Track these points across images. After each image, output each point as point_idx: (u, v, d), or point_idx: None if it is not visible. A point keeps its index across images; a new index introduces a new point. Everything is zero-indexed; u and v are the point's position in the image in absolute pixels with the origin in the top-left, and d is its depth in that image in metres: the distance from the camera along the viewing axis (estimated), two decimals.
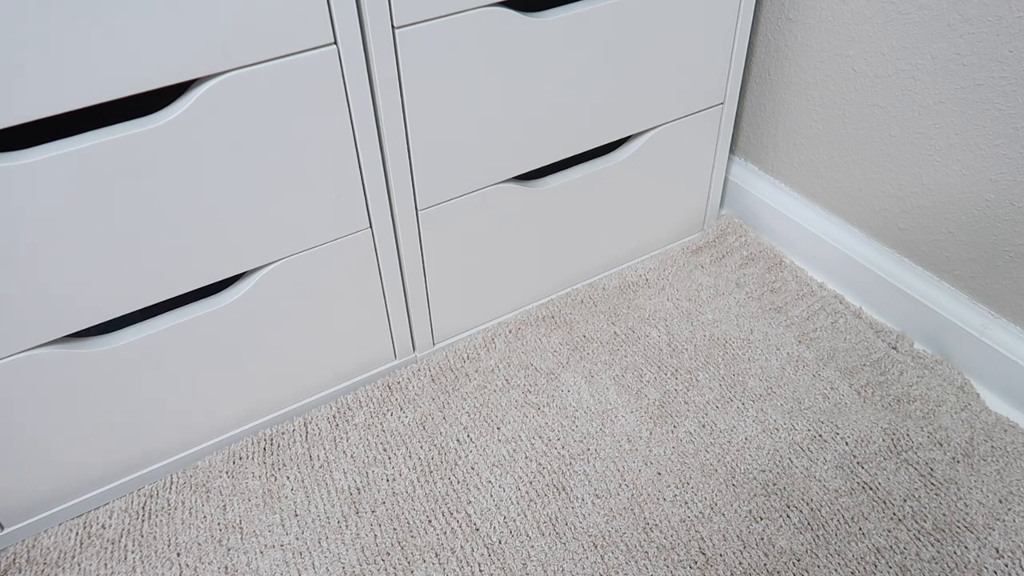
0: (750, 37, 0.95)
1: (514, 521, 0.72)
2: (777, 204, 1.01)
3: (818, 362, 0.86)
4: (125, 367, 0.69)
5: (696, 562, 0.68)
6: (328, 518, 0.73)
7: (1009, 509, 0.70)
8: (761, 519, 0.71)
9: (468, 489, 0.75)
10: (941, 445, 0.76)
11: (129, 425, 0.73)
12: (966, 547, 0.68)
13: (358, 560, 0.70)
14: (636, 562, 0.68)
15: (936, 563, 0.67)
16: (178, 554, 0.71)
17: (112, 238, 0.62)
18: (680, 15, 0.81)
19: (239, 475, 0.77)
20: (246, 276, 0.72)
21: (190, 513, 0.74)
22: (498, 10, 0.69)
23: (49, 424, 0.68)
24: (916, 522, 0.70)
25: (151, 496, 0.76)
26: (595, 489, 0.74)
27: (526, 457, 0.78)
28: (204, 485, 0.77)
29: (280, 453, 0.79)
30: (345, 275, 0.77)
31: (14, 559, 0.71)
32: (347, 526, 0.73)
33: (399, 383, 0.86)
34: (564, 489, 0.75)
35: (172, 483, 0.77)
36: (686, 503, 0.73)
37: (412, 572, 0.69)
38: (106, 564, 0.71)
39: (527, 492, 0.74)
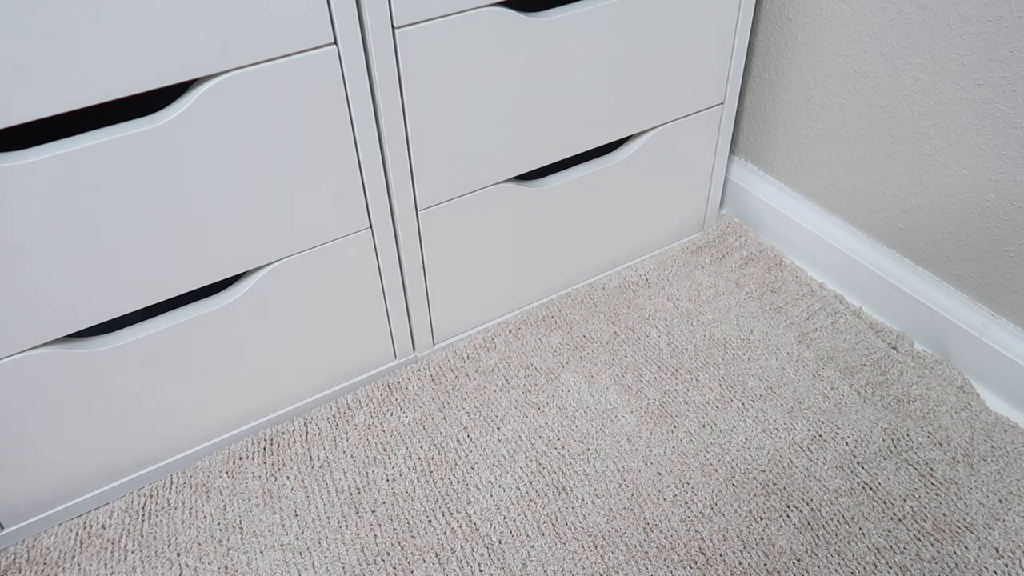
0: (750, 37, 0.95)
1: (514, 521, 0.72)
2: (777, 204, 1.01)
3: (818, 362, 0.86)
4: (125, 367, 0.69)
5: (696, 562, 0.68)
6: (328, 518, 0.73)
7: (1009, 509, 0.70)
8: (761, 519, 0.71)
9: (468, 489, 0.75)
10: (941, 445, 0.76)
11: (129, 425, 0.73)
12: (966, 547, 0.68)
13: (358, 560, 0.70)
14: (636, 562, 0.68)
15: (936, 563, 0.67)
16: (178, 554, 0.71)
17: (112, 238, 0.62)
18: (680, 15, 0.81)
19: (239, 475, 0.77)
20: (246, 276, 0.72)
21: (190, 513, 0.74)
22: (498, 10, 0.69)
23: (50, 424, 0.68)
24: (916, 522, 0.70)
25: (151, 496, 0.76)
26: (595, 489, 0.74)
27: (526, 457, 0.78)
28: (204, 485, 0.77)
29: (280, 453, 0.79)
30: (345, 275, 0.77)
31: (14, 559, 0.71)
32: (347, 526, 0.73)
33: (399, 383, 0.86)
34: (564, 489, 0.75)
35: (172, 483, 0.77)
36: (686, 503, 0.73)
37: (412, 572, 0.69)
38: (106, 564, 0.71)
39: (527, 492, 0.74)
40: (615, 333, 0.91)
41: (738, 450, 0.77)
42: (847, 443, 0.77)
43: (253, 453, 0.79)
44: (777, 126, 0.99)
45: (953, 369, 0.83)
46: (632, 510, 0.72)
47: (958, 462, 0.74)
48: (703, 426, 0.79)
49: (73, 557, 0.72)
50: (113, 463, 0.75)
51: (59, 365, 0.66)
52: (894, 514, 0.70)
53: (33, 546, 0.73)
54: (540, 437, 0.79)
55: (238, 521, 0.74)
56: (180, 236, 0.65)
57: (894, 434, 0.77)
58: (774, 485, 0.74)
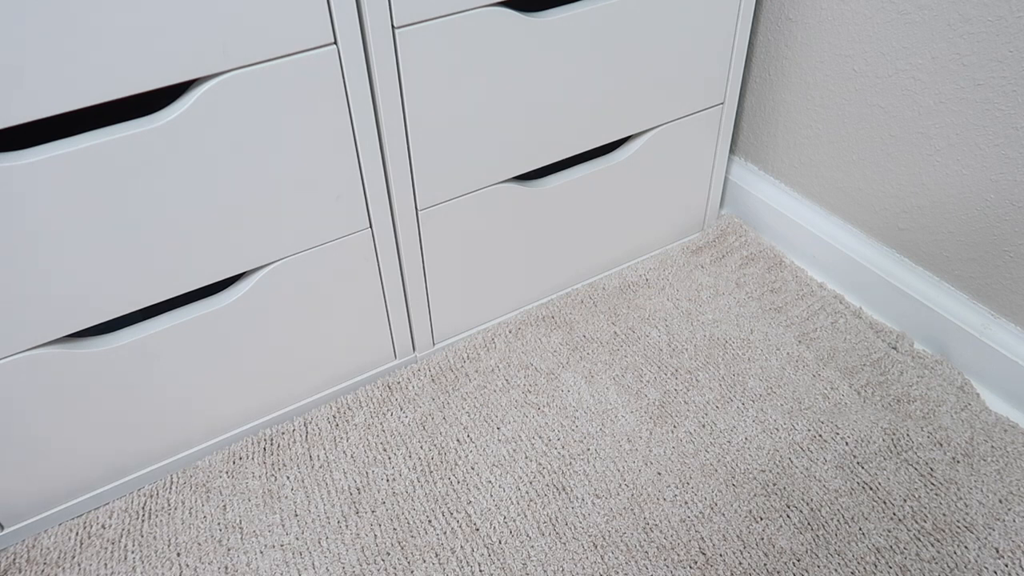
0: (750, 37, 0.95)
1: (514, 521, 0.72)
2: (777, 204, 1.01)
3: (818, 362, 0.86)
4: (125, 367, 0.69)
5: (696, 562, 0.68)
6: (328, 518, 0.73)
7: (1009, 509, 0.70)
8: (761, 519, 0.71)
9: (468, 489, 0.75)
10: (941, 445, 0.76)
11: (129, 425, 0.73)
12: (966, 547, 0.68)
13: (358, 560, 0.70)
14: (636, 562, 0.68)
15: (936, 563, 0.67)
16: (178, 554, 0.71)
17: (112, 238, 0.62)
18: (680, 15, 0.81)
19: (239, 475, 0.77)
20: (246, 276, 0.72)
21: (190, 513, 0.74)
22: (498, 10, 0.69)
23: (49, 424, 0.68)
24: (916, 522, 0.70)
25: (151, 496, 0.76)
26: (595, 489, 0.74)
27: (526, 457, 0.78)
28: (204, 485, 0.77)
29: (280, 453, 0.79)
30: (345, 275, 0.77)
31: (14, 559, 0.71)
32: (347, 526, 0.73)
33: (399, 383, 0.86)
34: (564, 489, 0.75)
35: (172, 483, 0.77)
36: (686, 503, 0.73)
37: (412, 572, 0.69)
38: (106, 564, 0.71)
39: (527, 492, 0.74)
40: (615, 333, 0.91)
41: (738, 450, 0.77)
42: (847, 443, 0.77)
43: (253, 453, 0.79)
44: (777, 126, 0.99)
45: (953, 369, 0.83)
46: (632, 510, 0.72)
47: (958, 462, 0.74)
48: (703, 426, 0.79)
49: (73, 557, 0.72)
50: (113, 463, 0.75)
51: (59, 365, 0.66)
52: (894, 514, 0.70)
53: (33, 546, 0.73)
54: (540, 437, 0.79)
55: (238, 521, 0.74)
56: (180, 236, 0.65)
57: (894, 434, 0.77)
58: (774, 485, 0.74)
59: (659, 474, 0.75)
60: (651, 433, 0.79)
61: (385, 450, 0.79)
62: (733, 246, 1.03)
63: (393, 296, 0.82)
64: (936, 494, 0.72)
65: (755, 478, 0.74)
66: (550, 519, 0.72)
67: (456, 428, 0.81)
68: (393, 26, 0.64)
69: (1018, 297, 0.79)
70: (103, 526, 0.74)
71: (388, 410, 0.83)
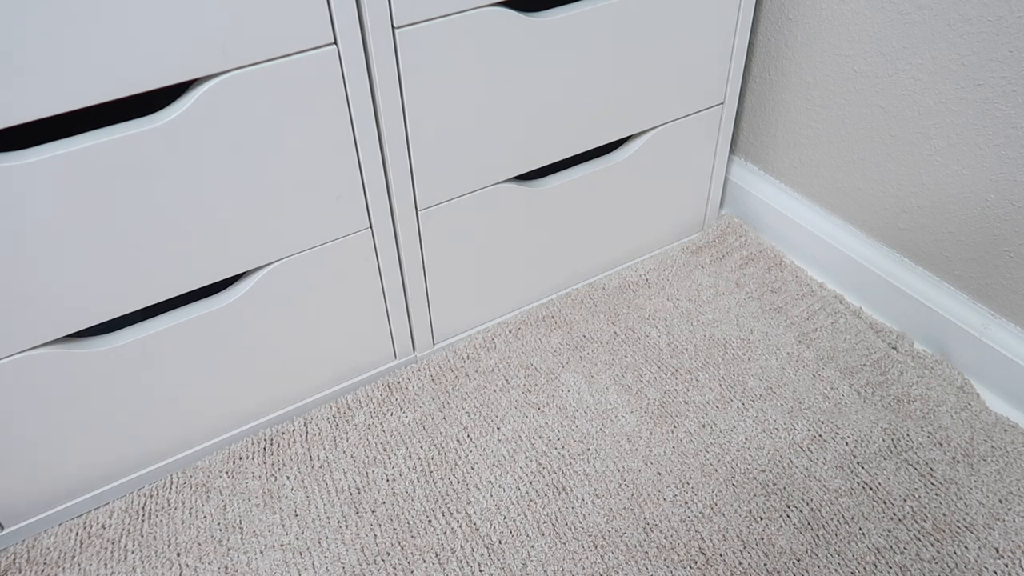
0: (750, 37, 0.95)
1: (514, 521, 0.72)
2: (777, 204, 1.01)
3: (818, 362, 0.86)
4: (125, 367, 0.69)
5: (696, 562, 0.68)
6: (328, 518, 0.73)
7: (1009, 509, 0.70)
8: (761, 519, 0.71)
9: (468, 489, 0.75)
10: (941, 445, 0.76)
11: (129, 425, 0.73)
12: (966, 547, 0.68)
13: (358, 560, 0.70)
14: (636, 562, 0.68)
15: (936, 563, 0.67)
16: (178, 554, 0.71)
17: (112, 238, 0.62)
18: (680, 15, 0.81)
19: (239, 475, 0.77)
20: (246, 276, 0.72)
21: (190, 513, 0.74)
22: (498, 10, 0.69)
23: (49, 424, 0.68)
24: (916, 522, 0.70)
25: (151, 496, 0.76)
26: (595, 489, 0.74)
27: (526, 457, 0.78)
28: (204, 485, 0.77)
29: (280, 453, 0.79)
30: (345, 275, 0.77)
31: (14, 559, 0.71)
32: (347, 526, 0.73)
33: (399, 383, 0.86)
34: (564, 489, 0.75)
35: (172, 483, 0.77)
36: (686, 503, 0.73)
37: (412, 572, 0.69)
38: (106, 564, 0.71)
39: (527, 492, 0.74)
40: (615, 333, 0.91)
41: (738, 450, 0.77)
42: (847, 443, 0.77)
43: (253, 453, 0.79)
44: (777, 126, 0.99)
45: (953, 369, 0.83)
46: (632, 510, 0.72)
47: (958, 462, 0.74)
48: (703, 426, 0.79)
49: (73, 557, 0.72)
50: (113, 463, 0.75)
51: (59, 365, 0.66)
52: (894, 514, 0.70)
53: (33, 546, 0.73)
54: (540, 437, 0.79)
55: (238, 521, 0.74)
56: (179, 236, 0.65)
57: (894, 434, 0.77)
58: (774, 485, 0.74)
59: (659, 474, 0.75)
60: (651, 433, 0.79)
61: (385, 450, 0.79)
62: (733, 246, 1.03)
63: (393, 296, 0.82)
64: (936, 494, 0.72)
65: (755, 478, 0.74)
66: (550, 519, 0.72)
67: (456, 428, 0.81)
68: (393, 26, 0.64)
69: (1018, 297, 0.79)
70: (103, 526, 0.74)
71: (388, 410, 0.83)
